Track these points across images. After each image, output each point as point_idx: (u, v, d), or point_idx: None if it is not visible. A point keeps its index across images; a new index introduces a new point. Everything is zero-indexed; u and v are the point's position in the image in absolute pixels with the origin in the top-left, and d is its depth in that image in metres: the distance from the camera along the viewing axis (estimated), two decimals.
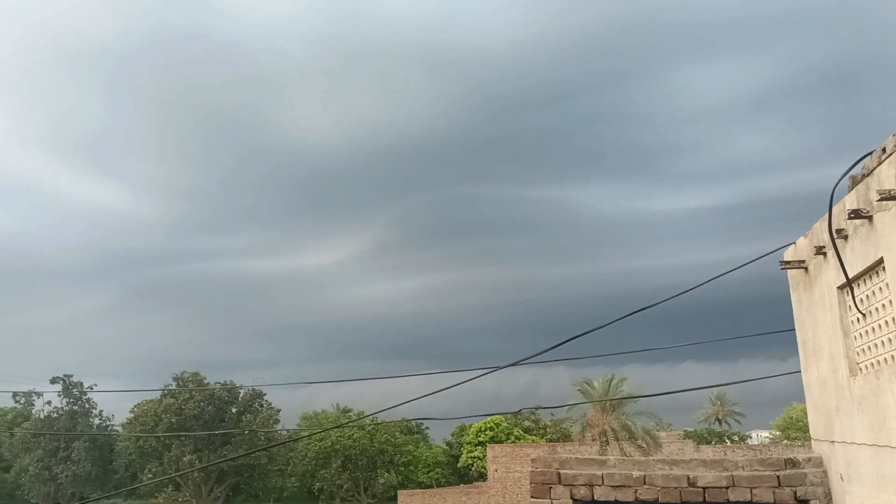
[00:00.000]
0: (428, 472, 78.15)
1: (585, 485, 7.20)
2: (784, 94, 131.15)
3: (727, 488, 6.85)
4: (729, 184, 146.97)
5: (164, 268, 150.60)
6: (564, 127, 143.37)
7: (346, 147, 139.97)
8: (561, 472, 7.35)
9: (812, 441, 7.19)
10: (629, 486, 7.12)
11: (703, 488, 6.89)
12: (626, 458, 7.73)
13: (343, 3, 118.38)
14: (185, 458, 55.42)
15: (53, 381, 61.63)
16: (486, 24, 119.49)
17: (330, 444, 62.82)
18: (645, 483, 7.08)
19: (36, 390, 64.15)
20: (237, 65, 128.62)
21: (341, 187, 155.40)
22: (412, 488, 66.70)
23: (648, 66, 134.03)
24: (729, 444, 73.46)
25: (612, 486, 7.16)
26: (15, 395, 63.86)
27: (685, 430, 69.60)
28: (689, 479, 6.96)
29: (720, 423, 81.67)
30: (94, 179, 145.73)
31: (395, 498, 61.87)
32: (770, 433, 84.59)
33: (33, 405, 65.69)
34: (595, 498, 7.14)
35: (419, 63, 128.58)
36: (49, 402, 62.78)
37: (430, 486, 69.54)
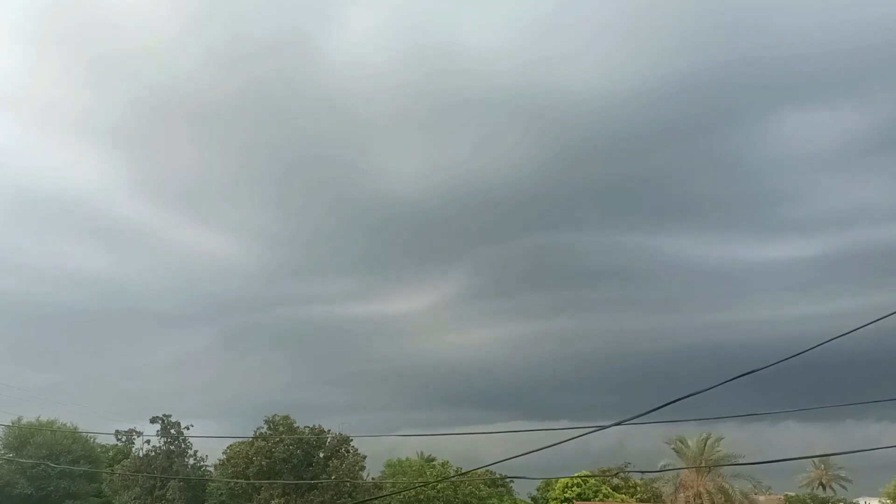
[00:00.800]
0: None
1: None
2: (893, 141, 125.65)
3: None
4: (832, 233, 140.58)
5: (260, 313, 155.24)
6: (660, 174, 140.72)
7: (437, 195, 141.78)
8: None
9: None
10: None
11: None
12: None
13: (436, 52, 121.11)
14: (273, 502, 56.25)
15: (153, 420, 64.05)
16: (580, 69, 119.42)
17: (413, 493, 62.53)
18: None
19: (136, 429, 66.69)
20: (335, 118, 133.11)
21: (431, 234, 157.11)
22: None
23: (749, 111, 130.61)
24: None
25: None
26: (117, 433, 66.57)
27: (786, 495, 66.03)
28: None
29: (824, 488, 77.01)
30: (197, 226, 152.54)
31: None
32: (880, 501, 79.18)
33: (133, 443, 68.20)
34: None
35: (510, 109, 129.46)
36: (148, 441, 65.16)
37: None
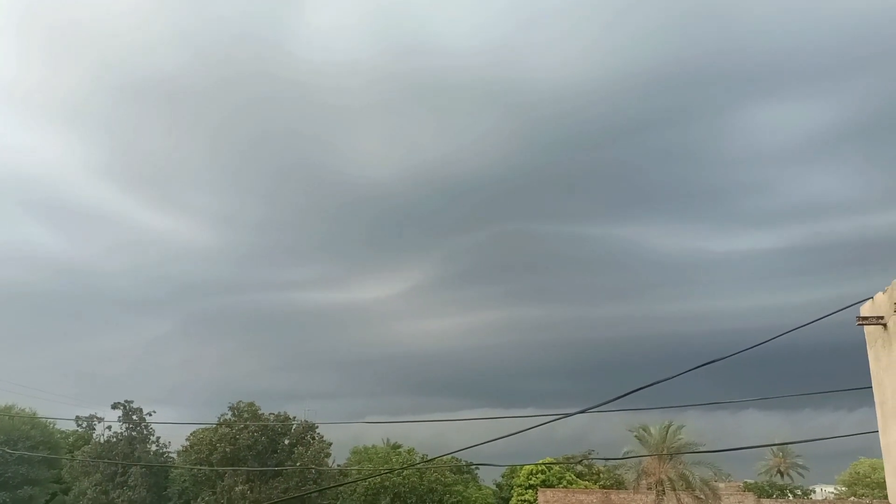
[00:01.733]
0: None
1: None
2: (858, 135, 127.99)
3: None
4: (796, 226, 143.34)
5: (227, 297, 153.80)
6: (628, 164, 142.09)
7: (406, 182, 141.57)
8: None
9: None
10: None
11: None
12: None
13: (407, 39, 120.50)
14: (237, 489, 55.93)
15: (114, 406, 63.21)
16: (549, 58, 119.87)
17: (379, 480, 62.63)
18: None
19: (97, 415, 65.77)
20: (305, 102, 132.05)
21: (399, 221, 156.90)
22: None
23: (717, 103, 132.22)
24: (791, 497, 70.62)
25: None
26: (78, 419, 65.61)
27: (745, 482, 67.22)
28: None
29: (782, 475, 78.59)
30: (161, 210, 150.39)
31: None
32: (835, 488, 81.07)
33: (94, 429, 67.27)
34: None
35: (480, 98, 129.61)
36: (109, 427, 64.28)
37: None
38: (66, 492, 67.12)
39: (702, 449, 40.32)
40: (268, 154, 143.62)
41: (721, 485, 51.56)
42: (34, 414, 66.96)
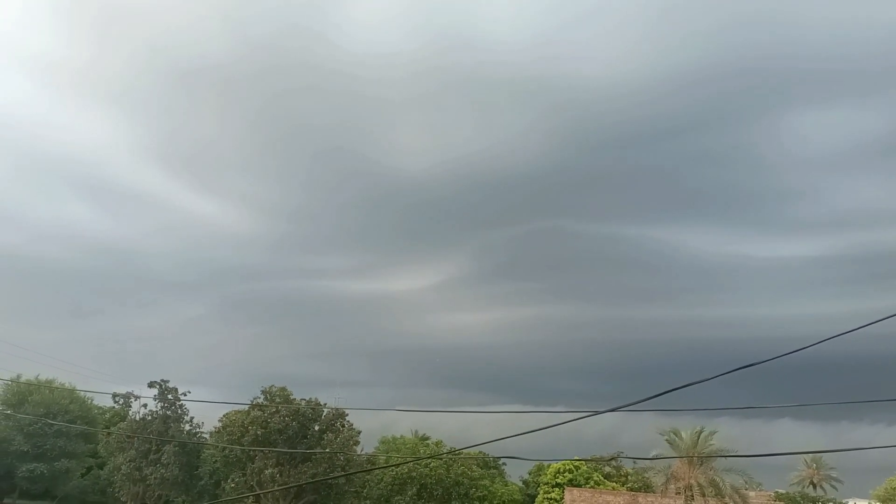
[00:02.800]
0: None
1: None
2: None
3: None
4: (842, 234, 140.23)
5: (262, 283, 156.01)
6: (669, 166, 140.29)
7: (443, 175, 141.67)
8: None
9: None
10: None
11: None
12: None
13: (449, 32, 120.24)
14: (267, 471, 56.68)
15: (151, 384, 64.46)
16: (592, 57, 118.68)
17: (406, 470, 62.98)
18: None
19: (134, 393, 67.15)
20: (347, 93, 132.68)
21: (436, 214, 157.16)
22: None
23: (764, 107, 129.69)
24: None
25: None
26: (115, 395, 67.06)
27: (776, 492, 66.30)
28: None
29: (814, 487, 77.28)
30: (203, 194, 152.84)
31: None
32: (870, 503, 79.51)
33: (130, 407, 68.70)
34: None
35: (520, 94, 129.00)
36: (145, 405, 65.63)
37: None
38: (101, 466, 68.84)
39: (733, 454, 39.78)
40: (309, 143, 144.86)
41: (752, 493, 50.90)
42: (73, 388, 68.76)
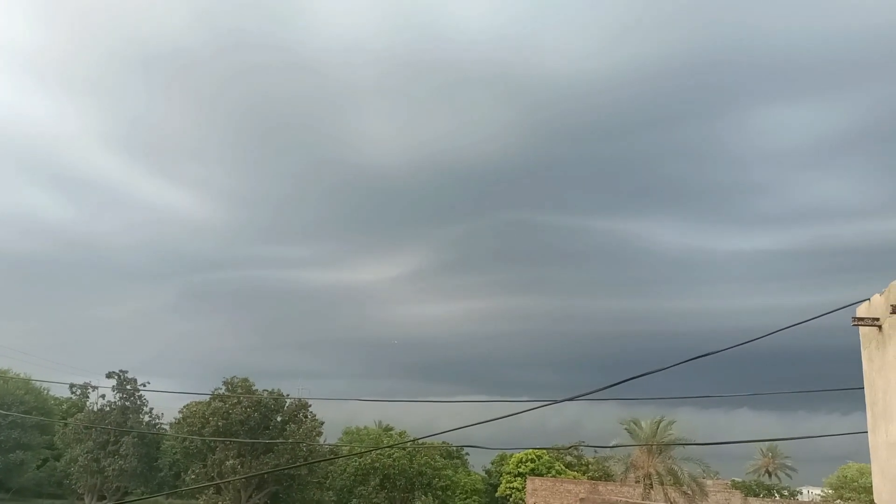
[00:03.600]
0: (465, 499, 77.43)
1: None
2: (866, 140, 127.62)
3: None
4: (801, 229, 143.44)
5: (223, 272, 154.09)
6: (635, 159, 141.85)
7: (410, 165, 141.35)
8: None
9: None
10: None
11: None
12: (678, 502, 7.52)
13: (418, 23, 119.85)
14: (228, 463, 56.14)
15: (109, 375, 63.31)
16: (562, 50, 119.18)
17: (370, 461, 62.92)
18: None
19: (91, 383, 65.98)
20: (310, 78, 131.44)
21: (401, 205, 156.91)
22: None
23: (727, 103, 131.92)
24: (778, 497, 70.97)
25: None
26: (72, 386, 65.79)
27: (733, 480, 67.57)
28: None
29: (770, 475, 78.99)
30: (161, 181, 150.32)
31: None
32: (822, 491, 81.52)
33: (88, 398, 67.48)
34: None
35: (489, 85, 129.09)
36: (103, 396, 64.50)
37: None
38: (57, 458, 67.51)
39: (690, 442, 40.42)
40: (274, 132, 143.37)
41: (709, 482, 51.79)
42: (28, 379, 67.31)
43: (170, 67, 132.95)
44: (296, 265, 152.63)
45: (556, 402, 13.35)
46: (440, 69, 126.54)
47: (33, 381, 68.27)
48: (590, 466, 72.55)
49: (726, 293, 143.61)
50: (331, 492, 64.98)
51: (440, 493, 69.49)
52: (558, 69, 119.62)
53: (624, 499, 40.62)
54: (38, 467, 70.05)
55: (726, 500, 53.20)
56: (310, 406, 61.20)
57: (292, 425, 59.82)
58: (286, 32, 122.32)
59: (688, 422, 50.87)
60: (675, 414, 48.23)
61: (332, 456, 61.23)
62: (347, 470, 64.87)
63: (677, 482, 43.41)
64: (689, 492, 43.53)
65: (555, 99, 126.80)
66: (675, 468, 43.86)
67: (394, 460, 63.27)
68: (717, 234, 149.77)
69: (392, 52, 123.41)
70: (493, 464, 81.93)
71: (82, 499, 61.86)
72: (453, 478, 74.50)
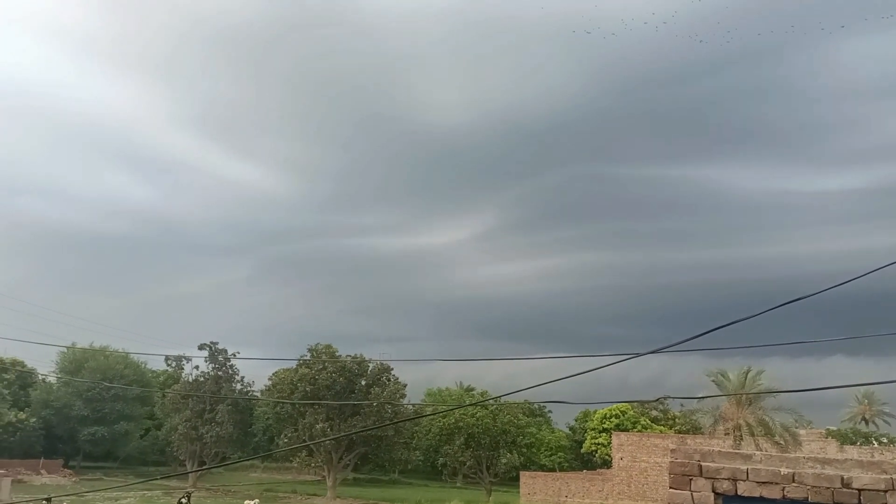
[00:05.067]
0: (550, 456, 77.94)
1: (728, 479, 6.89)
2: None
3: (886, 492, 6.33)
4: (888, 164, 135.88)
5: (298, 243, 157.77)
6: (707, 103, 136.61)
7: (476, 124, 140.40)
8: (703, 464, 7.07)
9: None
10: (776, 483, 6.73)
11: (859, 490, 6.40)
12: (772, 454, 7.29)
13: None
14: (317, 426, 57.91)
15: (201, 347, 65.91)
16: None
17: (454, 420, 63.76)
18: (794, 481, 6.67)
19: (185, 355, 68.91)
20: (373, 45, 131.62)
21: (470, 165, 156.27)
22: (534, 470, 66.79)
23: (806, 37, 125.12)
24: (877, 445, 68.64)
25: (757, 483, 6.80)
26: (167, 358, 68.89)
27: (827, 429, 65.63)
28: (842, 479, 6.49)
29: (867, 423, 76.35)
30: (235, 158, 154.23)
31: (517, 479, 62.18)
32: None
33: (183, 369, 70.57)
34: (738, 493, 6.81)
35: (554, 37, 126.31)
36: (197, 367, 67.32)
37: (553, 470, 69.38)
38: (158, 427, 71.09)
39: (780, 390, 39.28)
40: (342, 102, 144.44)
41: (802, 431, 50.44)
42: (126, 354, 70.75)
43: (236, 45, 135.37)
44: (367, 232, 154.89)
45: (638, 355, 13.07)
46: (505, 24, 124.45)
47: (131, 356, 71.80)
48: (676, 420, 71.73)
49: (813, 237, 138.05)
50: (417, 451, 66.33)
51: (525, 450, 69.99)
52: (622, 13, 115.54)
53: (717, 449, 40.02)
54: (142, 437, 74.06)
55: (821, 449, 51.80)
56: (392, 369, 62.30)
57: (376, 388, 61.09)
58: (349, 3, 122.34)
59: (778, 372, 49.30)
60: (764, 364, 47.05)
61: (417, 415, 62.32)
62: (432, 430, 66.00)
63: (769, 433, 42.42)
64: (781, 442, 42.50)
65: (621, 47, 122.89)
66: (766, 418, 42.86)
67: (477, 419, 63.95)
68: (800, 176, 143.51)
69: (451, 9, 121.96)
70: (576, 420, 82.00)
71: (184, 465, 65.02)
72: (537, 435, 74.95)
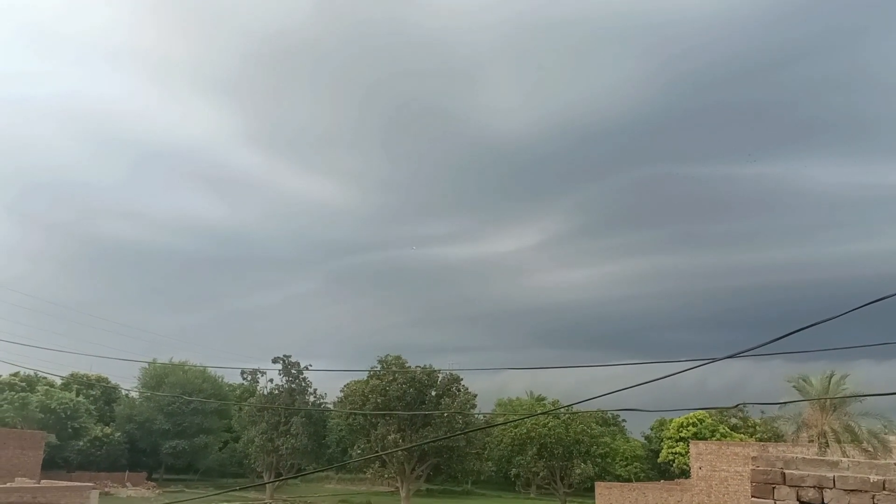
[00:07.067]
0: (626, 466, 76.43)
1: (814, 487, 6.56)
2: None
3: None
4: None
5: (364, 255, 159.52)
6: (779, 98, 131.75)
7: (538, 130, 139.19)
8: (786, 472, 6.76)
9: None
10: (865, 492, 6.38)
11: None
12: (860, 461, 6.92)
13: None
14: (389, 437, 58.26)
15: (275, 360, 67.31)
16: None
17: (525, 430, 63.25)
18: (884, 489, 6.31)
19: (260, 369, 70.41)
20: (432, 56, 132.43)
21: (533, 171, 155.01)
22: (610, 481, 65.56)
23: (886, 22, 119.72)
24: None
25: (844, 490, 6.46)
26: (243, 372, 70.52)
27: None
28: None
29: None
30: (305, 173, 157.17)
31: (592, 489, 61.13)
32: None
33: (258, 382, 72.14)
34: (825, 501, 6.49)
35: (617, 37, 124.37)
36: (271, 380, 68.72)
37: (629, 480, 68.01)
38: (236, 440, 72.79)
39: (870, 394, 37.45)
40: (402, 114, 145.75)
41: (892, 437, 48.08)
42: (204, 368, 72.83)
43: (301, 62, 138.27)
44: (434, 242, 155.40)
45: (714, 360, 12.64)
46: (564, 28, 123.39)
47: (208, 370, 73.92)
48: (757, 428, 69.40)
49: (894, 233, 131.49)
50: (490, 462, 66.00)
51: (599, 460, 68.85)
52: (688, 8, 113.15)
53: (801, 456, 38.51)
54: (220, 449, 75.96)
55: None
56: (462, 379, 62.22)
57: (447, 399, 61.08)
58: (404, 13, 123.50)
59: (865, 375, 47.10)
60: (851, 367, 44.97)
61: (487, 425, 62.04)
62: (504, 440, 65.58)
63: (855, 439, 40.56)
64: (869, 449, 40.58)
65: (685, 44, 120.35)
66: (852, 424, 41.00)
67: (549, 429, 63.27)
68: (882, 169, 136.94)
69: (511, 15, 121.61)
70: (652, 429, 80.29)
71: (261, 476, 66.35)
72: (612, 445, 73.64)
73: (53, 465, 61.35)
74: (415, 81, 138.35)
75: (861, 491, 6.36)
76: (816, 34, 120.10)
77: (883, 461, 8.46)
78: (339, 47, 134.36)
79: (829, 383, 42.29)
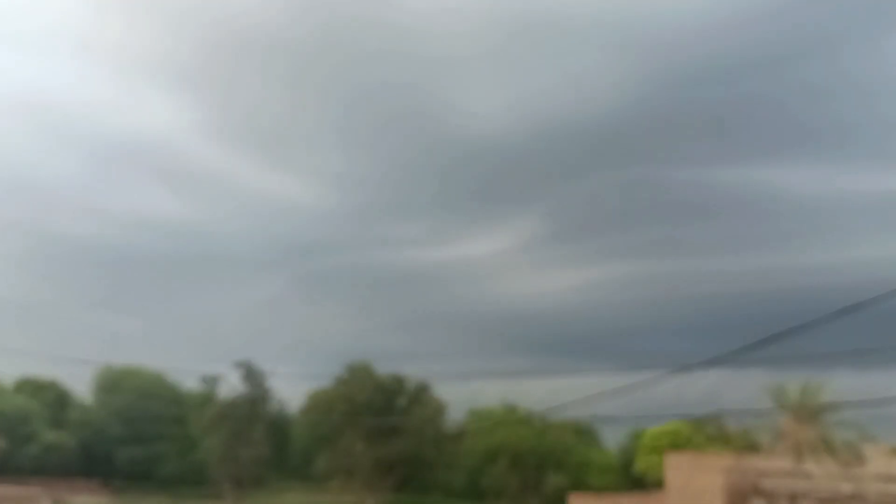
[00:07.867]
0: (600, 476, 74.91)
1: (787, 497, 4.85)
2: None
3: None
4: None
5: (334, 256, 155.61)
6: (757, 102, 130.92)
7: (516, 130, 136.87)
8: (759, 483, 5.05)
9: None
10: (838, 501, 4.68)
11: None
12: (833, 472, 5.23)
13: None
14: (356, 447, 56.70)
15: (235, 365, 64.83)
16: None
17: (498, 441, 61.81)
18: (855, 499, 4.59)
19: (219, 375, 67.90)
20: (407, 52, 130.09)
21: (510, 172, 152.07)
22: (584, 491, 63.95)
23: (871, 26, 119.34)
24: None
25: (818, 500, 4.76)
26: (203, 377, 68.16)
27: None
28: None
29: None
30: (270, 169, 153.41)
31: (563, 501, 59.66)
32: None
33: (217, 389, 69.54)
34: None
35: (594, 36, 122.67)
36: (233, 388, 66.26)
37: (604, 491, 66.47)
38: (194, 448, 70.32)
39: (844, 402, 36.37)
40: (373, 108, 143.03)
41: (868, 447, 46.97)
42: (160, 374, 70.40)
43: (270, 55, 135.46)
44: (405, 245, 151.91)
45: (686, 368, 11.13)
46: (543, 22, 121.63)
47: (164, 375, 71.34)
48: (733, 439, 68.20)
49: (869, 242, 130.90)
50: (460, 473, 64.29)
51: (573, 471, 67.38)
52: (666, 13, 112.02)
53: (775, 467, 37.14)
54: (179, 458, 73.27)
55: (887, 465, 48.16)
56: (429, 388, 60.78)
57: (416, 407, 59.53)
58: (380, 8, 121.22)
59: (842, 385, 45.91)
60: (829, 377, 43.73)
61: (460, 438, 60.53)
62: (476, 450, 63.95)
63: (829, 450, 39.42)
64: (844, 459, 39.41)
65: (665, 45, 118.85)
66: (827, 435, 39.86)
67: (521, 439, 61.83)
68: (865, 176, 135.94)
69: (490, 11, 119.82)
70: (627, 440, 78.89)
71: (221, 487, 64.08)
72: (587, 455, 72.17)
73: (5, 470, 59.22)
74: (386, 76, 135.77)
75: (833, 500, 4.72)
76: (799, 39, 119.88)
77: (857, 471, 7.02)
78: (311, 41, 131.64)
79: (805, 393, 41.15)
